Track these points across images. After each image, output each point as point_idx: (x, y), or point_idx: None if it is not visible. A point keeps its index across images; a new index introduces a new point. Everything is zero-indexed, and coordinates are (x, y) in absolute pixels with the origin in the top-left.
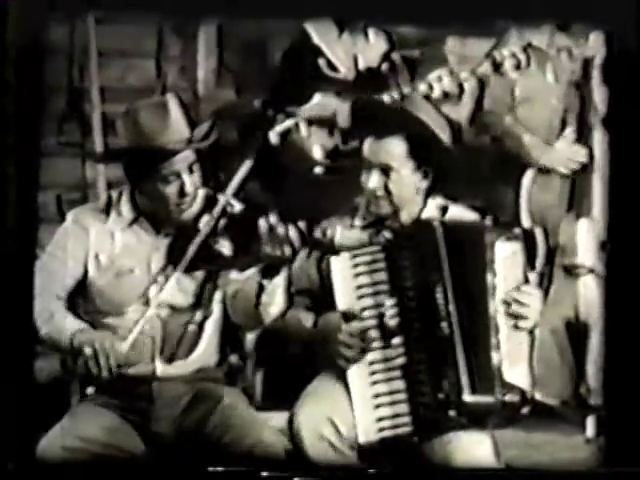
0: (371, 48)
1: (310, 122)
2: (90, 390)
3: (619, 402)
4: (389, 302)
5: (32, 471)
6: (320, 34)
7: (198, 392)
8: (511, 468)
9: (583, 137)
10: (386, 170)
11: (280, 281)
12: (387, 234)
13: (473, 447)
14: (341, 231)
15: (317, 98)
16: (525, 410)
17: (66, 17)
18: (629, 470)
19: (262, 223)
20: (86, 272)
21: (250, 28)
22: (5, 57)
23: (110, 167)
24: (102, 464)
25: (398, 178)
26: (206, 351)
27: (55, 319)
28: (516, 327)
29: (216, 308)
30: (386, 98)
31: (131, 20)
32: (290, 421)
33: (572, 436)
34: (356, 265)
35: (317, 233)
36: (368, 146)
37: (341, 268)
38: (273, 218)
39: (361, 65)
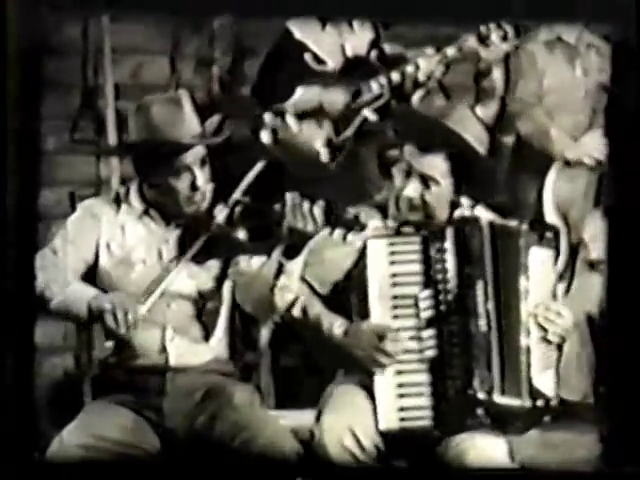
0: (357, 37)
1: (300, 117)
2: (108, 344)
3: (626, 401)
4: (424, 294)
5: (40, 471)
6: (303, 30)
7: (210, 388)
8: (525, 468)
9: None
10: (426, 181)
11: (300, 263)
12: (425, 232)
13: (487, 446)
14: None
15: (300, 91)
16: (547, 418)
17: (80, 15)
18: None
19: (288, 197)
20: (97, 259)
21: (242, 28)
22: (5, 56)
23: (124, 163)
24: (117, 462)
25: (437, 191)
26: (220, 341)
27: (71, 287)
28: (545, 339)
29: (226, 296)
30: (375, 86)
31: (145, 18)
32: (312, 430)
33: (587, 434)
34: (393, 253)
35: (346, 214)
36: (410, 153)
37: (377, 253)
38: (297, 196)
39: (349, 53)
